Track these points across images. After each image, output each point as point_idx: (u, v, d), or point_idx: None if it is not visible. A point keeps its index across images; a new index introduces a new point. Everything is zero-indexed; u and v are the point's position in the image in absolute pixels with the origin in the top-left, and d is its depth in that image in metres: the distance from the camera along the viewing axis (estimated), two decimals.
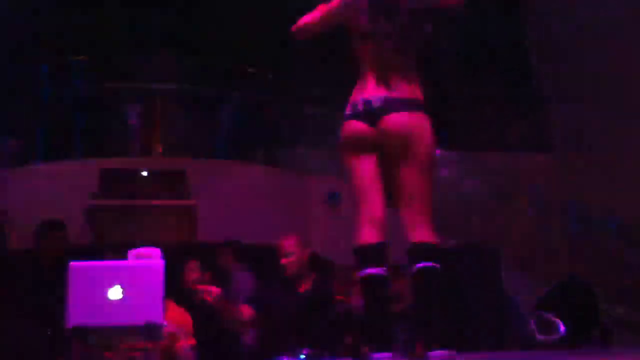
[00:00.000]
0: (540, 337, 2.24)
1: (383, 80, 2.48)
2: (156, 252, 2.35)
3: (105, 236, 4.92)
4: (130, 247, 2.44)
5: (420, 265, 2.22)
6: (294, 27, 2.58)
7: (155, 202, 4.67)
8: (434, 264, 2.24)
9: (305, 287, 3.38)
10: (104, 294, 2.15)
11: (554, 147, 8.36)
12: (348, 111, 2.46)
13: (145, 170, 4.84)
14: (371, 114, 2.43)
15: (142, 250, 2.35)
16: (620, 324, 4.83)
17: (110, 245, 4.78)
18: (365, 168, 2.45)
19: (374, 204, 2.41)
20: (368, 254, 2.31)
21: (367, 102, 2.44)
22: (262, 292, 3.72)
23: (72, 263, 2.12)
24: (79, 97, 6.16)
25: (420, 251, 2.27)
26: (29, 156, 6.29)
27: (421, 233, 2.32)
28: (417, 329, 2.23)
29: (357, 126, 2.43)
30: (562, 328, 2.23)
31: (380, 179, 2.46)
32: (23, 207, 5.10)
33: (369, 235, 2.35)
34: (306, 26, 2.56)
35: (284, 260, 3.35)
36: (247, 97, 6.63)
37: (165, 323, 2.32)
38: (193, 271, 4.05)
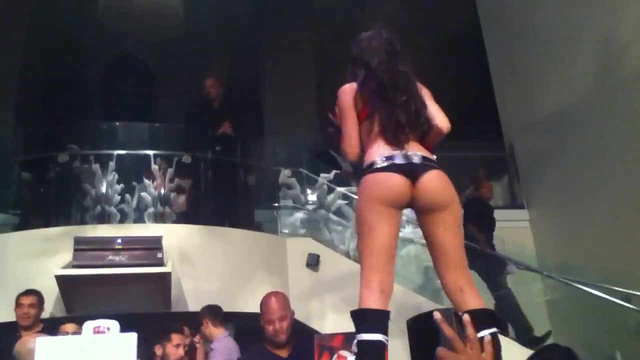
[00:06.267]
0: None
1: (408, 140, 2.46)
2: (114, 324, 2.26)
3: (76, 307, 4.76)
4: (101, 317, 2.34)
5: (490, 331, 2.18)
6: (354, 157, 2.54)
7: (129, 270, 4.55)
8: (497, 329, 2.25)
9: (287, 352, 3.22)
10: None
11: (529, 204, 8.47)
12: (380, 164, 2.36)
13: (120, 238, 4.74)
14: (412, 170, 2.36)
15: (99, 322, 2.25)
16: None
17: (78, 317, 4.63)
18: (393, 225, 2.34)
19: (388, 274, 2.30)
20: (375, 319, 2.19)
21: (407, 157, 2.37)
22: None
23: (38, 338, 2.03)
24: (53, 163, 6.11)
25: (483, 317, 2.24)
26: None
27: (476, 298, 2.33)
28: None
29: (397, 180, 2.34)
30: None
31: (396, 244, 2.35)
32: None
33: (377, 303, 2.23)
34: (358, 144, 2.53)
35: (275, 327, 3.08)
36: (223, 160, 6.63)
37: None
38: (177, 347, 3.92)
